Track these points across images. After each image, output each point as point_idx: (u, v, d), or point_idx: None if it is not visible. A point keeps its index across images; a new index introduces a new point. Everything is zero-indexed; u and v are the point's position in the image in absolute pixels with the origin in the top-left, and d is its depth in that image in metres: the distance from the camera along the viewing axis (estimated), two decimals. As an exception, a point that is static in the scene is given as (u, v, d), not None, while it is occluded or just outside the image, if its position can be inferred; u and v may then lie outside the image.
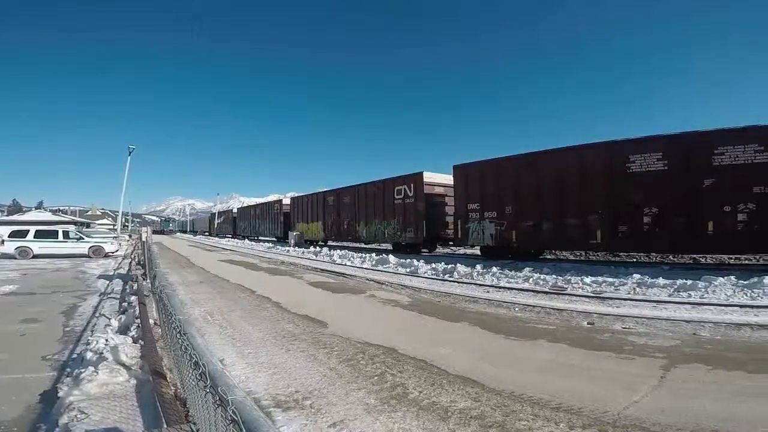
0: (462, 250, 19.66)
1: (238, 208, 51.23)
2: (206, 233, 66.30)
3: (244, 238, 43.25)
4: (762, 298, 6.95)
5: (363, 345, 5.10)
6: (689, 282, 7.95)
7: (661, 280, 8.37)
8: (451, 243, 18.83)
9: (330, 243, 26.94)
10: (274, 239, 34.94)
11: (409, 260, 13.67)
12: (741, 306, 6.55)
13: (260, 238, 39.19)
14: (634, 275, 9.00)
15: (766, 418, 2.97)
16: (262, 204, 40.54)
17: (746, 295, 7.18)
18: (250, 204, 48.41)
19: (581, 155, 12.26)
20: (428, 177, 18.25)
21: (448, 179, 18.00)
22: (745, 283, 7.65)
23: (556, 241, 13.27)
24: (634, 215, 11.07)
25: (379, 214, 20.82)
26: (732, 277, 7.95)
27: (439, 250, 19.93)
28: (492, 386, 3.73)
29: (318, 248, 22.04)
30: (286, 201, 34.08)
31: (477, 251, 17.51)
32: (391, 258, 14.44)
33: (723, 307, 6.55)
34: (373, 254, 16.32)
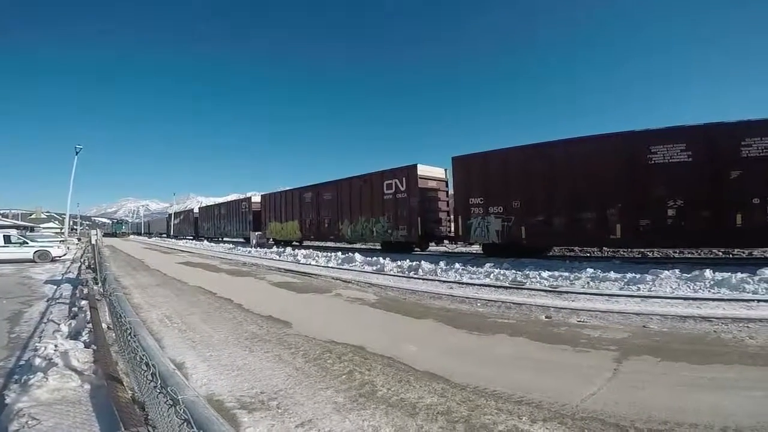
0: (459, 248, 18.40)
1: (199, 208, 47.80)
2: (163, 235, 62.67)
3: (207, 240, 41.20)
4: (703, 290, 7.44)
5: (330, 344, 5.07)
6: (638, 276, 8.39)
7: (612, 274, 8.78)
8: (446, 241, 17.66)
9: (307, 243, 25.55)
10: (242, 240, 32.66)
11: (375, 258, 13.72)
12: (685, 299, 6.98)
13: (225, 239, 37.09)
14: (588, 270, 9.41)
15: (709, 407, 3.17)
16: (229, 202, 37.74)
17: (689, 287, 7.66)
18: (213, 203, 45.15)
19: (598, 146, 11.67)
20: (422, 170, 16.95)
21: (440, 173, 17.50)
22: (688, 276, 8.16)
23: (571, 236, 12.40)
24: (657, 208, 10.60)
25: (366, 211, 19.23)
26: (676, 271, 8.45)
27: (433, 248, 18.67)
28: (457, 381, 3.80)
29: (287, 248, 20.96)
30: (256, 199, 31.66)
31: (472, 249, 17.16)
32: (357, 256, 14.40)
33: (669, 300, 6.96)
34: (339, 253, 16.11)
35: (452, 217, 16.63)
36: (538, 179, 12.70)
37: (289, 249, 20.77)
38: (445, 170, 17.55)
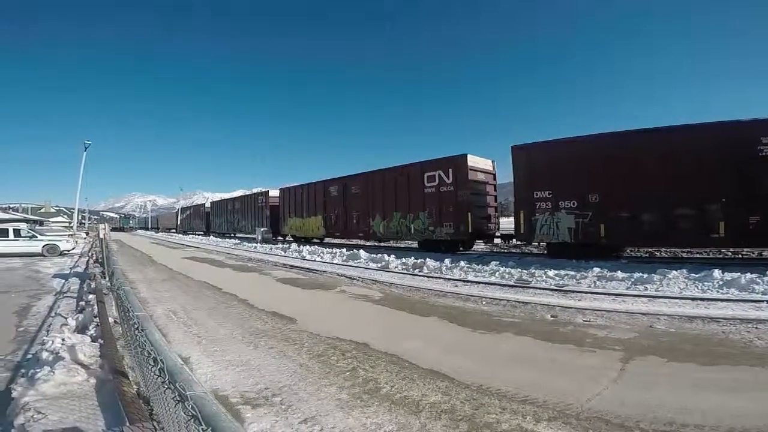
0: (500, 247, 16.90)
1: (211, 202, 45.81)
2: (172, 230, 62.12)
3: (213, 235, 40.93)
4: (711, 291, 7.36)
5: (334, 340, 5.08)
6: (645, 275, 8.31)
7: (619, 273, 8.71)
8: (497, 238, 16.25)
9: (330, 241, 23.91)
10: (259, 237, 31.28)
11: (380, 255, 13.65)
12: (693, 299, 6.90)
13: (237, 235, 35.89)
14: (594, 269, 9.35)
15: (716, 408, 3.14)
16: (243, 197, 35.74)
17: (697, 288, 7.58)
18: (222, 198, 43.94)
19: (695, 135, 10.62)
20: (472, 161, 15.44)
21: (488, 165, 16.25)
22: (696, 276, 8.08)
23: (662, 235, 11.09)
24: None
25: (402, 206, 17.58)
26: (684, 271, 8.37)
27: (481, 247, 17.37)
28: (461, 380, 3.79)
29: (292, 245, 20.36)
30: (274, 193, 29.81)
31: (531, 248, 15.68)
32: (362, 253, 14.40)
33: (677, 300, 6.89)
34: (344, 249, 16.08)
35: (496, 213, 15.97)
36: (622, 171, 11.42)
37: (294, 245, 20.62)
38: (493, 162, 16.56)
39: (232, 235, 37.07)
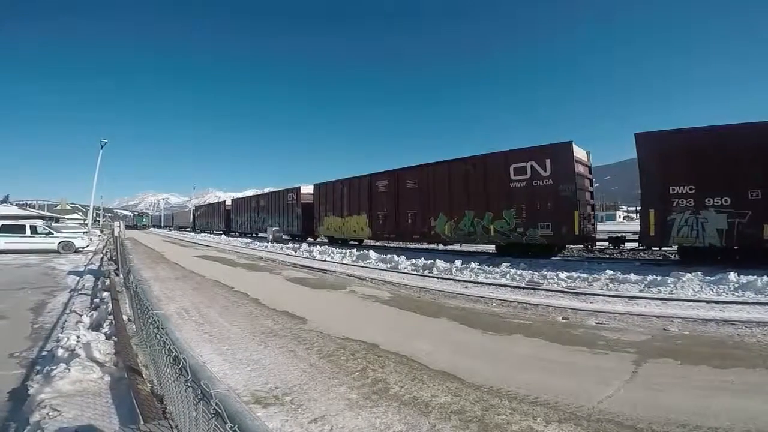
0: (603, 251, 14.72)
1: (232, 200, 43.84)
2: (188, 229, 61.49)
3: (225, 234, 40.72)
4: (726, 294, 7.25)
5: (343, 341, 5.10)
6: (659, 278, 8.21)
7: (632, 276, 8.60)
8: (602, 241, 14.24)
9: (377, 243, 21.33)
10: (287, 237, 28.76)
11: (389, 256, 13.58)
12: (707, 302, 6.80)
13: (259, 235, 33.61)
14: (607, 271, 9.23)
15: (730, 410, 3.10)
16: (270, 194, 33.00)
17: (712, 290, 7.47)
18: (248, 195, 41.60)
19: None
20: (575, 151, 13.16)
21: (584, 155, 14.03)
22: (711, 279, 7.95)
23: None
24: None
25: (477, 203, 14.93)
26: (699, 273, 8.24)
27: (573, 253, 14.94)
28: (471, 381, 3.77)
29: (314, 248, 18.62)
30: (307, 189, 26.93)
31: (653, 254, 13.16)
32: (372, 254, 14.40)
33: (691, 303, 6.80)
34: (354, 250, 15.99)
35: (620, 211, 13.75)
36: None
37: (305, 245, 20.50)
38: (588, 153, 14.41)
39: (255, 235, 35.12)
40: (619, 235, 14.09)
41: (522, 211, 13.59)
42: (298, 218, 27.30)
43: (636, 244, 13.04)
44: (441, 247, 18.35)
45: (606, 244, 14.41)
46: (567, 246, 14.50)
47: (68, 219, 66.54)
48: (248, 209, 36.82)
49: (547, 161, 13.12)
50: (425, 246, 18.73)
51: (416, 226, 17.49)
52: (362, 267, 12.84)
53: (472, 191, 15.23)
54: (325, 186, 24.54)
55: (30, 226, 20.01)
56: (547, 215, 13.02)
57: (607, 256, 14.20)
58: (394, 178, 18.97)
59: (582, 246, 14.54)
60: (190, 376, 1.59)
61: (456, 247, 17.98)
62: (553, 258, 13.43)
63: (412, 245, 19.23)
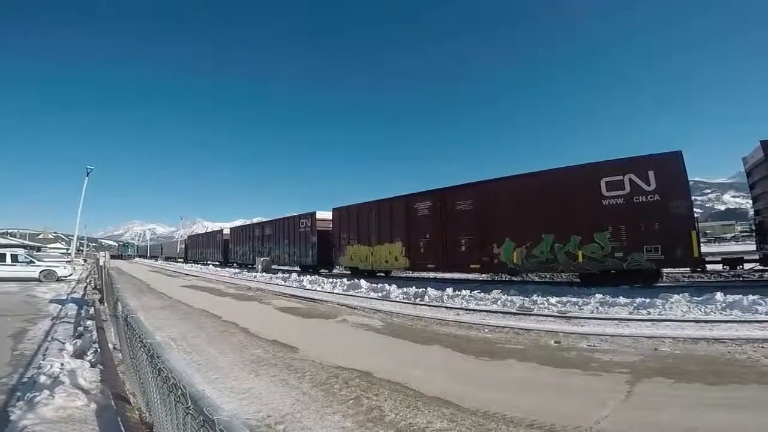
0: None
1: (231, 228, 40.21)
2: (180, 260, 56.92)
3: (212, 264, 39.27)
4: (715, 313, 7.37)
5: (336, 369, 5.01)
6: (648, 300, 8.31)
7: (621, 299, 8.69)
8: (715, 264, 12.00)
9: (417, 275, 18.86)
10: (297, 269, 25.66)
11: (380, 285, 13.47)
12: (696, 321, 6.90)
13: (255, 264, 29.58)
14: (597, 295, 9.31)
15: (725, 426, 3.12)
16: (277, 221, 29.41)
17: (700, 310, 7.58)
18: (252, 222, 37.04)
19: None
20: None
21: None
22: (698, 299, 8.07)
23: None
24: None
25: (557, 225, 12.48)
26: (686, 294, 8.38)
27: (675, 278, 13.19)
28: (467, 406, 3.73)
29: (316, 277, 17.49)
30: (324, 215, 23.83)
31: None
32: (363, 282, 14.25)
33: (680, 323, 6.88)
34: (345, 279, 15.77)
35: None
36: None
37: (294, 275, 20.13)
38: None
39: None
40: (735, 256, 12.14)
41: (621, 233, 11.34)
42: (314, 247, 23.85)
43: (755, 264, 11.49)
44: (431, 275, 17.49)
45: (720, 266, 12.11)
46: (663, 271, 12.15)
47: (50, 248, 65.24)
48: (250, 238, 33.41)
49: (650, 174, 11.05)
50: (486, 278, 16.36)
51: (473, 254, 14.68)
52: (353, 296, 12.70)
53: (549, 211, 12.63)
54: (347, 210, 21.40)
55: (11, 254, 19.77)
56: (655, 236, 10.82)
57: (723, 279, 12.46)
58: (439, 199, 16.16)
59: (689, 269, 12.33)
60: (190, 403, 1.57)
61: (447, 275, 17.05)
62: (654, 285, 11.45)
63: (475, 276, 16.50)
